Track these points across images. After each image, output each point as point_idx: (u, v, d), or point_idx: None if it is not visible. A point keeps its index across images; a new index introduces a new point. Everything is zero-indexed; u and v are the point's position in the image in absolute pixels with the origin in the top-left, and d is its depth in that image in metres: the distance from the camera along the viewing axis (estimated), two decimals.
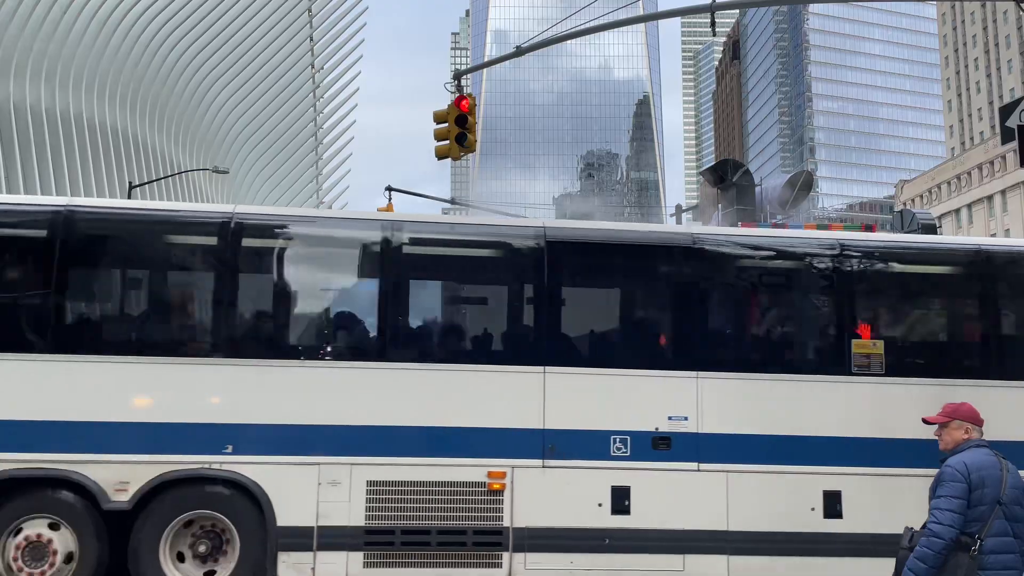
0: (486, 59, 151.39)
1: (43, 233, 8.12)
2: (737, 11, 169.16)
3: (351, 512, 7.79)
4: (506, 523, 7.87)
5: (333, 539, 7.75)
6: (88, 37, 48.84)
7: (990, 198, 77.37)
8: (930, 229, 45.45)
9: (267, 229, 8.68)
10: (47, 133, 46.14)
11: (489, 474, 7.96)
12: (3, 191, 42.30)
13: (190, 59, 59.42)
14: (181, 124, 62.28)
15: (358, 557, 7.78)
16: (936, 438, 4.50)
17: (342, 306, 8.90)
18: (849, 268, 8.89)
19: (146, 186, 50.72)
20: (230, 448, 7.77)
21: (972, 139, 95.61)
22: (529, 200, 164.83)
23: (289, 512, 7.71)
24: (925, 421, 4.67)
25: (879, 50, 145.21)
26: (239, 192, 74.91)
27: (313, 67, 77.96)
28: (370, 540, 7.80)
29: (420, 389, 8.05)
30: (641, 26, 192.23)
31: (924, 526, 4.28)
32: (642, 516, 7.92)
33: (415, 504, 7.85)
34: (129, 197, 31.69)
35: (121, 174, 52.12)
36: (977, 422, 4.45)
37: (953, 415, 4.47)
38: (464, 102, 14.01)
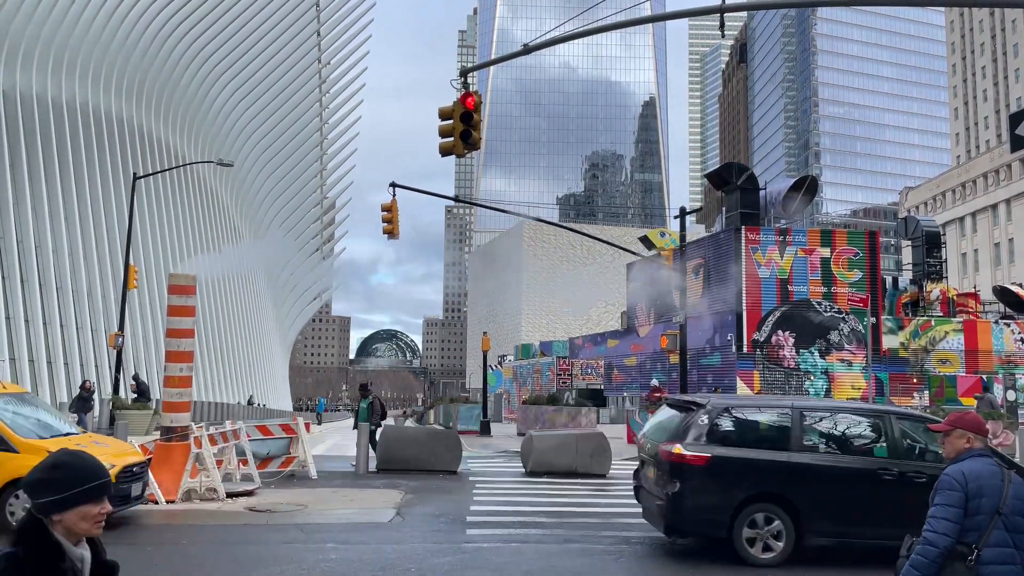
0: (493, 57, 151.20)
1: None
2: (744, 14, 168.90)
3: None
4: None
5: None
6: (95, 27, 48.83)
7: (995, 207, 77.22)
8: (934, 236, 45.68)
9: None
10: (53, 123, 46.15)
11: None
12: (8, 179, 42.31)
13: (197, 51, 59.41)
14: (187, 116, 62.30)
15: None
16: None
17: None
18: None
19: (151, 177, 50.81)
20: None
21: (978, 147, 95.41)
22: (532, 199, 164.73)
23: None
24: (930, 429, 4.67)
25: (887, 56, 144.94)
26: (243, 185, 74.98)
27: (320, 62, 77.97)
28: None
29: None
30: (648, 27, 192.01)
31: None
32: None
33: None
34: (133, 188, 31.67)
35: (126, 165, 52.14)
36: (980, 431, 4.43)
37: (956, 424, 4.45)
38: (470, 99, 13.93)
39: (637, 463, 10.28)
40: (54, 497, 2.60)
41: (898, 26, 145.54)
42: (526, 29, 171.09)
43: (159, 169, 52.22)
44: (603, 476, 16.84)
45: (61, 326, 44.68)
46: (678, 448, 8.58)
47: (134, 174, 34.87)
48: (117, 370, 29.94)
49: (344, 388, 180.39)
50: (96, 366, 46.18)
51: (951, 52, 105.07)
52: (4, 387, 11.87)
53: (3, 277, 41.32)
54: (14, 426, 10.38)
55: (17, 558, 2.54)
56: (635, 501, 13.67)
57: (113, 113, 52.63)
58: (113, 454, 10.80)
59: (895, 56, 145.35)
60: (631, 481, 15.53)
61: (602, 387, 51.96)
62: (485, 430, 30.67)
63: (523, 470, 17.55)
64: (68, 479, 2.62)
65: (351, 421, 59.59)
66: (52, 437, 10.72)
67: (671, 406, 10.07)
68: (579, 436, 17.84)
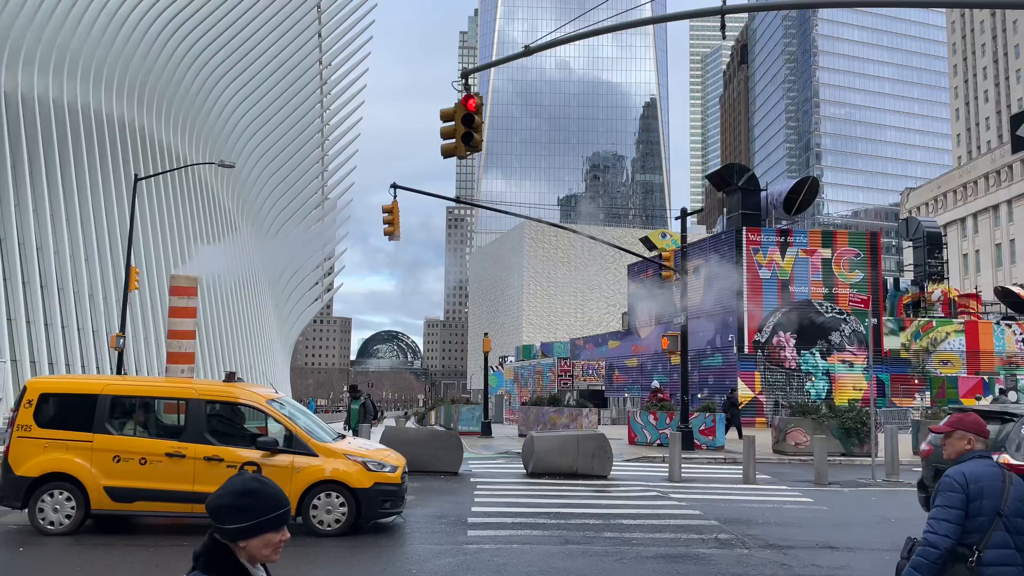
0: (494, 59, 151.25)
1: None
2: (745, 15, 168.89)
3: None
4: None
5: None
6: (96, 30, 48.88)
7: (996, 207, 77.17)
8: (935, 237, 45.68)
9: None
10: (54, 124, 46.20)
11: None
12: (9, 181, 42.35)
13: (198, 53, 59.45)
14: (188, 118, 62.33)
15: None
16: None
17: None
18: None
19: (152, 179, 50.85)
20: None
21: (979, 148, 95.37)
22: (533, 200, 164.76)
23: None
24: (931, 430, 4.67)
25: (888, 57, 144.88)
26: (244, 186, 75.01)
27: (320, 63, 77.99)
28: None
29: None
30: (649, 29, 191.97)
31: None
32: None
33: None
34: (135, 190, 31.70)
35: (127, 166, 52.18)
36: (981, 433, 4.41)
37: (957, 425, 4.44)
38: (471, 101, 13.91)
39: (923, 473, 10.52)
40: (244, 524, 2.58)
41: (898, 27, 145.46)
42: (527, 30, 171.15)
43: (160, 170, 52.27)
44: (604, 477, 16.84)
45: (62, 327, 44.70)
46: (1006, 458, 8.71)
47: (135, 175, 34.88)
48: (118, 372, 29.95)
49: (344, 389, 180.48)
50: (97, 368, 46.20)
51: (952, 53, 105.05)
52: (277, 393, 12.06)
53: (4, 278, 41.35)
54: (309, 431, 10.67)
55: None
56: (636, 502, 13.68)
57: (114, 115, 52.67)
58: (392, 456, 11.17)
59: (895, 56, 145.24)
60: (637, 483, 15.38)
61: (603, 388, 51.93)
62: (486, 431, 30.66)
63: (524, 471, 17.55)
64: (257, 506, 2.60)
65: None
66: (333, 441, 11.00)
67: None
68: (580, 437, 17.82)
